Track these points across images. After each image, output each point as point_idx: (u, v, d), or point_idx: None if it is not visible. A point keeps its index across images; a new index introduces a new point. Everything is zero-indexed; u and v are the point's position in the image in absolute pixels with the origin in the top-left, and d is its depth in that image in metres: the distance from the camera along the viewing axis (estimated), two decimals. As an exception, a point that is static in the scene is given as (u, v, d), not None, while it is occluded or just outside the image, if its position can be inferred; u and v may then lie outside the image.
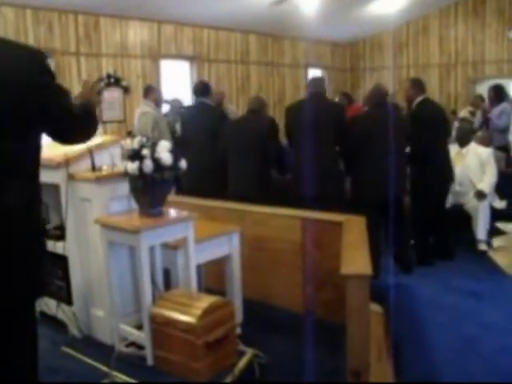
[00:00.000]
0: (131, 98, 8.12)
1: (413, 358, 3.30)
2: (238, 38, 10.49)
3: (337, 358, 2.87)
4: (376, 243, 4.31)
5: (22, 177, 1.81)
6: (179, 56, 9.47)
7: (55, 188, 3.33)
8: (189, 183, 4.84)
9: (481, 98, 9.03)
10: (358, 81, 13.48)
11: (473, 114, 8.36)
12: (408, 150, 4.94)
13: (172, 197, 3.67)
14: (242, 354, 3.00)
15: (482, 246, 5.22)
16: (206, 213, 3.79)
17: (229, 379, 2.79)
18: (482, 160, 5.41)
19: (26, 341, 1.90)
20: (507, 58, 11.32)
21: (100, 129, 3.88)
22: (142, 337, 3.04)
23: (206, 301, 2.92)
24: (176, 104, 7.20)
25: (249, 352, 3.02)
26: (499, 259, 5.05)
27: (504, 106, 7.04)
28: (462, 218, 5.35)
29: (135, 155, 2.92)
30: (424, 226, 5.05)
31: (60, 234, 3.39)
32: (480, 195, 5.24)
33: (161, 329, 2.92)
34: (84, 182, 3.23)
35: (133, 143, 2.98)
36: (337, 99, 8.39)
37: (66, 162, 3.20)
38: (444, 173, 5.00)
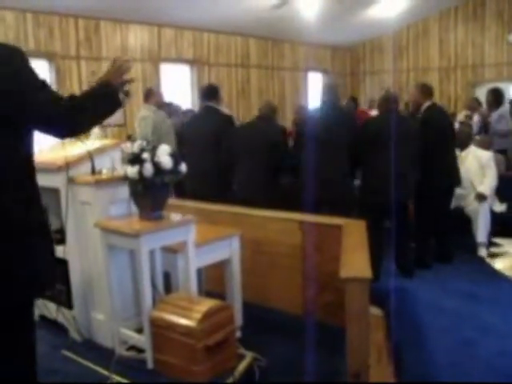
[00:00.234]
0: (131, 102, 8.13)
1: (412, 360, 3.30)
2: (238, 41, 10.52)
3: (337, 361, 2.87)
4: (378, 247, 4.32)
5: (18, 175, 1.81)
6: (179, 60, 9.50)
7: (55, 192, 3.34)
8: (192, 186, 4.83)
9: (477, 101, 9.02)
10: (358, 84, 13.51)
11: (470, 117, 8.36)
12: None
13: (172, 200, 3.68)
14: (241, 357, 3.00)
15: (482, 252, 5.23)
16: (205, 216, 3.80)
17: (229, 382, 2.79)
18: (482, 163, 5.43)
19: (24, 341, 1.90)
20: (507, 61, 11.35)
21: (100, 132, 3.88)
22: (142, 340, 3.04)
23: (206, 304, 2.92)
24: (177, 108, 7.18)
25: (248, 355, 3.02)
26: (498, 263, 5.05)
27: (503, 110, 7.03)
28: (463, 221, 5.36)
29: (135, 159, 2.92)
30: (427, 229, 5.07)
31: (60, 238, 3.40)
32: (480, 197, 5.25)
33: (161, 332, 2.92)
34: (84, 186, 3.23)
35: (133, 147, 2.99)
36: (344, 103, 8.45)
37: (66, 166, 3.21)
38: (451, 177, 5.05)
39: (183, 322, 2.83)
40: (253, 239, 3.86)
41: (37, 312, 3.52)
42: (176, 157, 3.02)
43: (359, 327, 2.41)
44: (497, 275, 4.79)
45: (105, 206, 3.21)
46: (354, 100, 9.44)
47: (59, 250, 3.36)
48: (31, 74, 1.87)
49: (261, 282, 3.90)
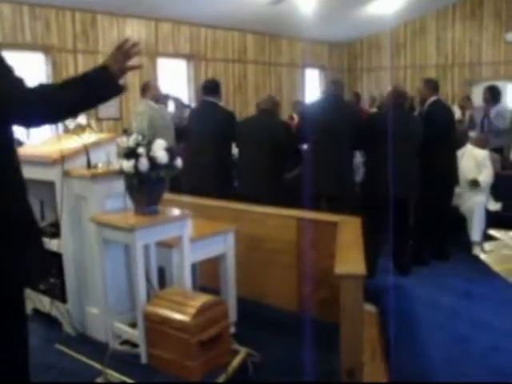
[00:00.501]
0: (127, 96, 8.10)
1: (407, 357, 3.31)
2: (235, 36, 10.49)
3: (331, 357, 2.87)
4: (374, 244, 4.33)
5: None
6: (176, 54, 9.46)
7: (50, 185, 3.33)
8: (191, 182, 4.73)
9: (468, 98, 9.07)
10: (356, 81, 13.50)
11: (463, 114, 8.40)
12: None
13: (168, 195, 3.67)
14: (235, 352, 3.00)
15: (476, 250, 5.24)
16: (201, 211, 3.79)
17: (222, 378, 2.79)
18: (478, 161, 5.44)
19: (16, 335, 1.89)
20: (504, 59, 11.35)
21: (95, 126, 3.85)
22: (136, 335, 3.04)
23: (201, 299, 2.92)
24: (178, 102, 7.11)
25: (242, 351, 3.02)
26: (492, 261, 5.07)
27: (500, 107, 7.04)
28: (458, 220, 5.38)
29: (131, 153, 2.91)
30: (427, 227, 5.07)
31: (55, 232, 3.39)
32: (474, 184, 5.26)
33: (155, 327, 2.92)
34: (79, 180, 3.23)
35: (128, 141, 2.98)
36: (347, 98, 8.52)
37: (62, 159, 3.20)
38: (451, 174, 5.06)
39: (177, 316, 2.83)
40: (249, 235, 3.85)
41: (30, 305, 3.52)
42: (172, 151, 3.01)
43: (353, 324, 2.42)
44: (491, 273, 4.81)
45: (100, 199, 3.20)
46: (357, 96, 9.48)
47: (54, 244, 3.36)
48: None
49: (256, 277, 3.90)
